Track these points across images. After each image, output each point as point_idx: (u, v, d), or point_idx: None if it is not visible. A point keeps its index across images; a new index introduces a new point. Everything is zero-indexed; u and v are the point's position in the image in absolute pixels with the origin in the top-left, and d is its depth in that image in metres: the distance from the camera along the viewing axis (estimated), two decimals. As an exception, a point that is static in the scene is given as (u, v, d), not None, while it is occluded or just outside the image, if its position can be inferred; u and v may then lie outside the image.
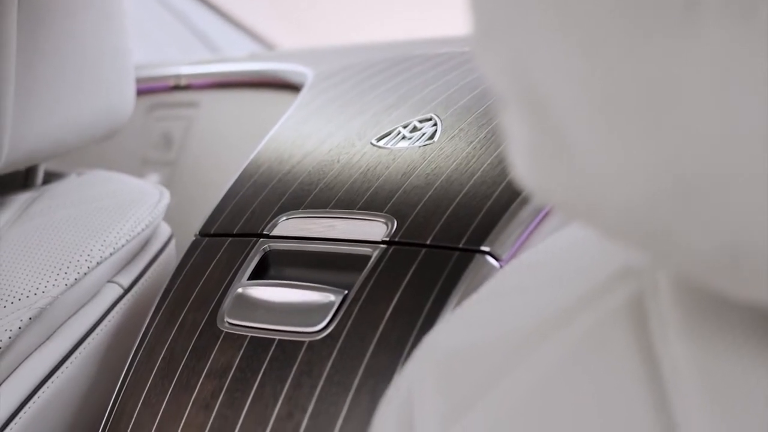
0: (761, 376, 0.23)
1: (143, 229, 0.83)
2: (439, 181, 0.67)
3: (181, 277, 0.73)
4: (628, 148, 0.22)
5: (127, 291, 0.82)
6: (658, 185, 0.21)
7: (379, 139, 0.76)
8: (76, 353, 0.78)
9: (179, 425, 0.64)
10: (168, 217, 0.89)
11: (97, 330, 0.79)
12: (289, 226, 0.71)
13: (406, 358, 0.58)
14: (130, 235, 0.82)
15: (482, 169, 0.67)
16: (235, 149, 1.01)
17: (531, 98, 0.23)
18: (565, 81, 0.22)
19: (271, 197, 0.75)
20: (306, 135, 0.82)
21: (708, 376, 0.24)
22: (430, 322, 0.59)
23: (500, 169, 0.66)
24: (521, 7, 0.23)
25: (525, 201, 0.63)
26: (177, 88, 1.22)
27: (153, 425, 0.65)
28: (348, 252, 0.67)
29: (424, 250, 0.63)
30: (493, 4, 0.24)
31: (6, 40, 0.77)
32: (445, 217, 0.64)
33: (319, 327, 0.63)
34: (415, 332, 0.59)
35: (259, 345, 0.64)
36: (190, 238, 0.77)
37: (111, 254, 0.81)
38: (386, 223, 0.66)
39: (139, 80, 0.98)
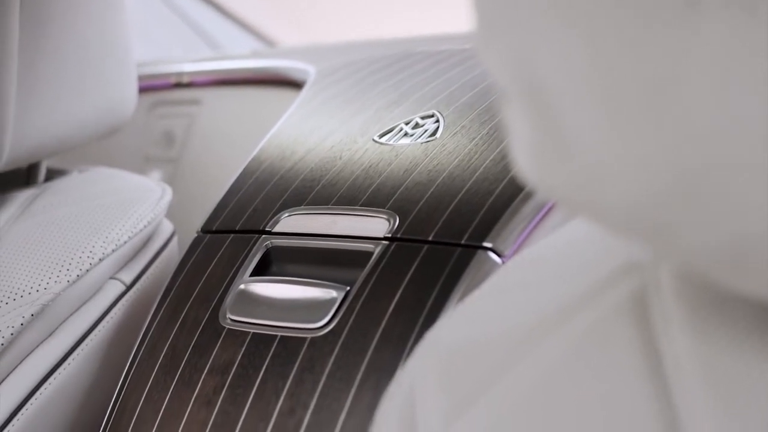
0: (764, 371, 0.23)
1: (145, 226, 0.84)
2: (442, 178, 0.67)
3: (183, 274, 0.73)
4: (630, 142, 0.22)
5: (129, 288, 0.82)
6: (660, 179, 0.21)
7: (381, 136, 0.76)
8: (78, 350, 0.78)
9: (181, 421, 0.64)
10: (170, 214, 0.89)
11: (99, 327, 0.79)
12: (291, 222, 0.71)
13: (408, 355, 0.58)
14: (132, 232, 0.82)
15: (484, 165, 0.67)
16: (237, 146, 1.01)
17: (533, 93, 0.23)
18: (567, 76, 0.22)
19: (273, 194, 0.75)
20: (308, 132, 0.82)
21: (711, 371, 0.24)
22: (432, 318, 0.59)
23: (502, 165, 0.66)
24: (524, 2, 0.23)
25: (527, 197, 0.63)
26: (179, 85, 1.22)
27: (155, 421, 0.65)
28: (350, 248, 0.67)
29: (426, 247, 0.63)
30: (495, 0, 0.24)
31: (8, 38, 0.77)
32: (447, 213, 0.64)
33: (321, 323, 0.63)
34: (417, 328, 0.59)
35: (261, 341, 0.64)
36: (192, 235, 0.77)
37: (113, 251, 0.81)
38: (388, 220, 0.66)
39: (141, 78, 0.98)
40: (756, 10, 0.19)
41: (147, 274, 0.84)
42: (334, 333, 0.62)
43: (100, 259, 0.79)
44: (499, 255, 0.61)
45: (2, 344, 0.73)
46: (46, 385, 0.76)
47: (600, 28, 0.21)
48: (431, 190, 0.67)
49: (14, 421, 0.73)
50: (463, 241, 0.62)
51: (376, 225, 0.67)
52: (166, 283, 0.74)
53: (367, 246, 0.66)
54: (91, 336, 0.79)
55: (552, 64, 0.22)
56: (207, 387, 0.64)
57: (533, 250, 0.34)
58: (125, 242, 0.82)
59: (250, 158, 0.82)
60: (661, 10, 0.20)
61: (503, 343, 0.30)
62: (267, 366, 0.63)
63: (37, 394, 0.75)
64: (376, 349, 0.59)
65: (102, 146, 1.00)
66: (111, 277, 0.82)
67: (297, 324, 0.64)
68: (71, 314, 0.79)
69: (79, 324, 0.79)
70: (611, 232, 0.25)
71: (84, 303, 0.80)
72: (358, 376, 0.59)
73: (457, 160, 0.68)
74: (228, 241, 0.73)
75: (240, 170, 0.80)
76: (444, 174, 0.68)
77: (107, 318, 0.80)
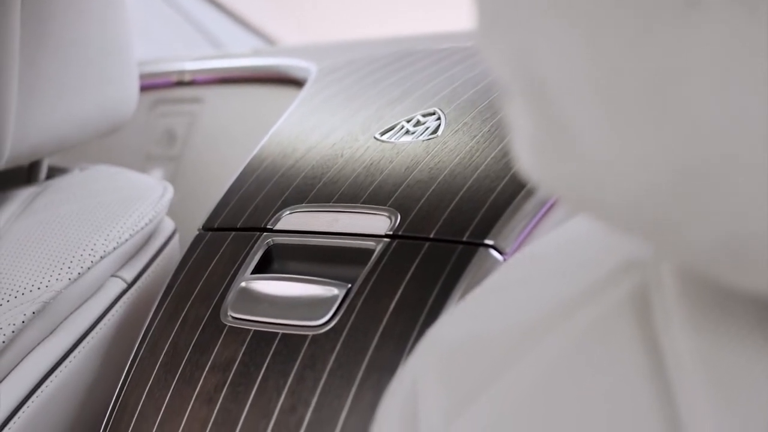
0: (765, 368, 0.23)
1: (146, 224, 0.84)
2: (443, 175, 0.67)
3: (184, 272, 0.73)
4: (631, 140, 0.22)
5: (130, 285, 0.82)
6: (661, 177, 0.21)
7: (382, 134, 0.76)
8: (80, 347, 0.78)
9: (182, 419, 0.64)
10: (171, 211, 0.89)
11: (101, 324, 0.79)
12: (292, 220, 0.72)
13: (409, 352, 0.58)
14: (133, 230, 0.82)
15: (486, 162, 0.67)
16: (239, 144, 1.01)
17: (535, 90, 0.23)
18: (568, 74, 0.22)
19: (274, 191, 0.75)
20: (309, 129, 0.82)
21: (712, 368, 0.24)
22: (433, 315, 0.59)
23: (504, 162, 0.66)
24: (525, 1, 0.23)
25: (529, 194, 0.63)
26: (180, 83, 1.22)
27: (156, 419, 0.65)
28: (351, 246, 0.67)
29: (427, 244, 0.63)
30: (497, -4, 0.24)
31: (9, 36, 0.77)
32: (448, 210, 0.64)
33: (322, 321, 0.63)
34: (418, 326, 0.59)
35: (262, 339, 0.64)
36: (194, 232, 0.77)
37: (114, 249, 0.81)
38: (390, 217, 0.66)
39: (142, 76, 0.98)
40: (756, 9, 0.19)
41: (148, 272, 0.84)
42: (336, 330, 0.62)
43: (101, 257, 0.80)
44: (500, 252, 0.61)
45: (3, 342, 0.73)
46: (47, 382, 0.76)
47: (601, 27, 0.21)
48: (432, 187, 0.67)
49: (15, 418, 0.74)
50: (464, 239, 0.62)
51: (378, 222, 0.67)
52: (167, 281, 0.74)
53: (368, 243, 0.66)
54: (93, 334, 0.79)
55: (553, 62, 0.22)
56: (208, 384, 0.64)
57: (535, 247, 0.34)
58: (126, 240, 0.82)
59: (251, 156, 0.82)
60: (661, 10, 0.20)
61: (505, 340, 0.30)
62: (268, 363, 0.63)
63: (39, 391, 0.75)
64: (378, 347, 0.59)
65: (103, 144, 1.00)
66: (112, 275, 0.82)
67: (298, 321, 0.64)
68: (72, 312, 0.79)
69: (81, 322, 0.79)
70: (612, 230, 0.25)
71: (85, 301, 0.80)
72: (360, 374, 0.59)
73: (458, 157, 0.69)
74: (229, 238, 0.73)
75: (241, 168, 0.81)
76: (445, 171, 0.68)
77: (108, 316, 0.80)
